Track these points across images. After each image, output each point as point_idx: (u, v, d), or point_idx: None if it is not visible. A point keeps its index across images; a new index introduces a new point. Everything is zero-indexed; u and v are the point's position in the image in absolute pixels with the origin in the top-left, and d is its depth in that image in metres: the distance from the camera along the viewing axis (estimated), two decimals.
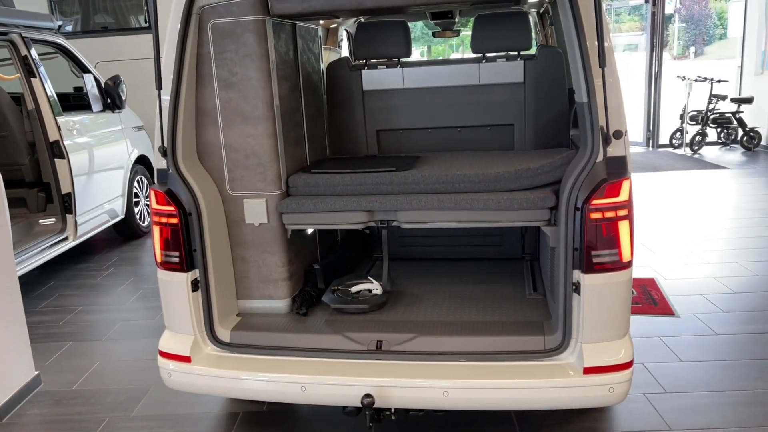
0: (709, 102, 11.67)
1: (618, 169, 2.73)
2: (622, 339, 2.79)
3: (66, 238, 5.99)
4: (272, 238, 3.20)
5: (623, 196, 2.69)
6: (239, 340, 3.09)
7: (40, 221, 5.93)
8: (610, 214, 2.69)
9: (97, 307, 5.39)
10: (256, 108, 3.07)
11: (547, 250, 3.26)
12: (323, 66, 3.98)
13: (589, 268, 2.70)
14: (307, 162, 3.62)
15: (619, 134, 2.73)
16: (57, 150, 5.88)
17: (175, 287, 3.04)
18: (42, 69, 5.90)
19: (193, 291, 3.02)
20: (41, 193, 5.97)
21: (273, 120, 3.10)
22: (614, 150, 2.73)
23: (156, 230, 3.06)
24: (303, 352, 2.98)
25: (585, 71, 2.65)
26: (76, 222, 6.03)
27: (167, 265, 3.06)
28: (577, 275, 2.73)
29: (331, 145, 4.01)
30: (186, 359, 3.04)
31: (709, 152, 11.52)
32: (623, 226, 2.71)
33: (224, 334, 3.10)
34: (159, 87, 2.94)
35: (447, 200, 2.98)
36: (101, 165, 6.55)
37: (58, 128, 5.89)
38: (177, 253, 3.02)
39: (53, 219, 5.99)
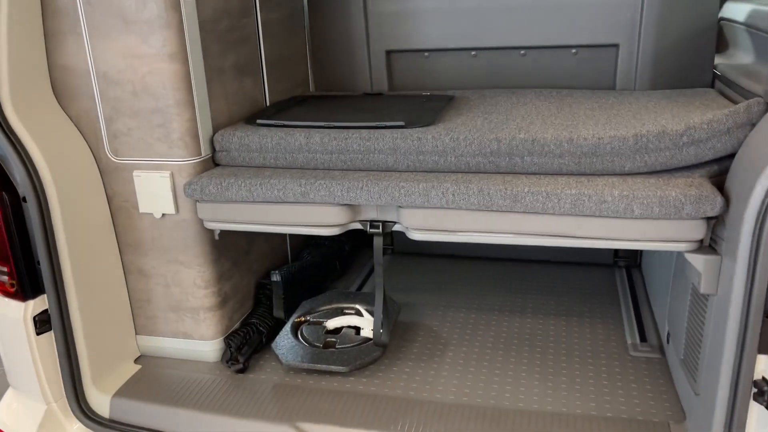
0: None
1: None
2: None
3: None
4: (186, 239, 1.84)
5: None
6: (124, 414, 1.79)
7: None
8: None
9: None
10: (145, 2, 1.64)
11: (675, 278, 1.80)
12: None
13: None
14: (266, 103, 2.19)
15: None
16: None
17: (10, 325, 1.74)
18: None
19: (38, 332, 1.72)
20: None
21: (178, 26, 1.67)
22: None
23: None
24: None
25: None
26: None
27: None
28: (766, 365, 1.30)
29: (316, 75, 2.55)
30: None
31: None
32: None
33: (101, 403, 1.81)
34: None
35: (497, 191, 1.53)
36: None
37: None
38: (5, 268, 1.70)
39: None
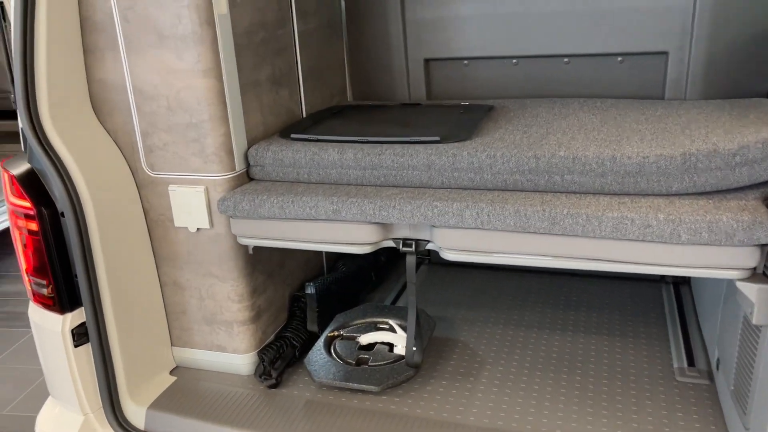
0: None
1: None
2: None
3: None
4: (221, 254, 1.84)
5: None
6: (158, 426, 1.81)
7: None
8: None
9: None
10: (180, 19, 1.64)
11: (726, 302, 1.70)
12: None
13: None
14: (302, 114, 2.17)
15: None
16: None
17: (49, 337, 1.77)
18: None
19: (75, 344, 1.75)
20: None
21: (212, 42, 1.66)
22: None
23: (17, 239, 1.77)
24: None
25: None
26: None
27: (39, 299, 1.79)
28: None
29: (353, 84, 2.52)
30: None
31: None
32: None
33: (136, 414, 1.83)
34: None
35: (535, 213, 1.47)
36: None
37: None
38: (44, 282, 1.73)
39: None
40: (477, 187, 1.64)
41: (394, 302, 2.37)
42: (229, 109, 1.73)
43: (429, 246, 1.66)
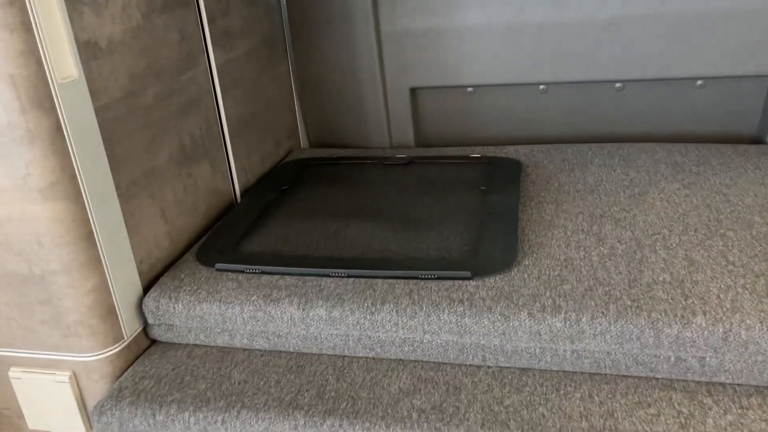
0: None
1: None
2: None
3: None
4: None
5: None
6: None
7: None
8: None
9: None
10: None
11: None
12: None
13: None
14: (235, 192, 1.42)
15: None
16: None
17: None
18: None
19: None
20: None
21: (52, 136, 0.89)
22: None
23: None
24: None
25: None
26: None
27: None
28: None
29: (308, 124, 1.75)
30: None
31: None
32: None
33: None
34: None
35: None
36: None
37: None
38: None
39: None
40: (548, 367, 0.96)
41: None
42: (100, 244, 0.98)
43: None
